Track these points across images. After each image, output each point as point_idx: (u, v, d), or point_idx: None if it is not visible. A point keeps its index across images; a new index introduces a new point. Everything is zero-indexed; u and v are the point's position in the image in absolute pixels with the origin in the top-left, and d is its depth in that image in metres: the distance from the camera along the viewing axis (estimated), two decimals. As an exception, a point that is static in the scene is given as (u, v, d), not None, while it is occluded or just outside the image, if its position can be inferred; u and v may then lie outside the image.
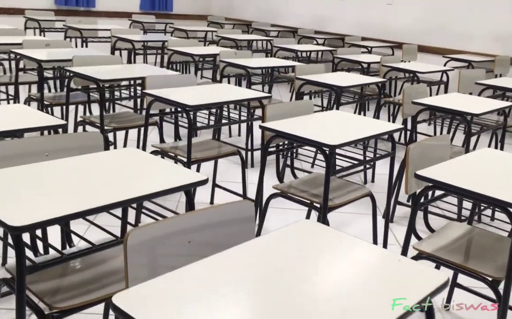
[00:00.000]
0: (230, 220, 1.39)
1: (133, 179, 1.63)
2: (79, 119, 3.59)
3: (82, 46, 6.01)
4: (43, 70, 3.77)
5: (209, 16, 9.26)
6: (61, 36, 6.83)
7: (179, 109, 3.06)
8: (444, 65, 6.02)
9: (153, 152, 3.01)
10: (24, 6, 7.51)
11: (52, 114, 4.05)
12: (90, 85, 3.76)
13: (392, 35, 7.22)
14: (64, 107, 4.16)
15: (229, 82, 4.88)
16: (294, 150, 3.74)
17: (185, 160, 2.90)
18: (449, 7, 6.61)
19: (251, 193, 3.57)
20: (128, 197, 1.49)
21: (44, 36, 6.59)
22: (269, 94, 3.15)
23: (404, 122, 3.53)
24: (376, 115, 4.28)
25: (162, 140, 3.34)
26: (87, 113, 4.74)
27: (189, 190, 1.70)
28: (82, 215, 1.38)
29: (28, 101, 4.08)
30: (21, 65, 4.75)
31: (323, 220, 2.33)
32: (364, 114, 5.14)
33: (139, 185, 1.58)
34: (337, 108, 3.65)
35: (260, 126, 2.44)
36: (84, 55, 3.74)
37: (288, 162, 3.20)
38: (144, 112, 3.69)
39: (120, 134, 4.32)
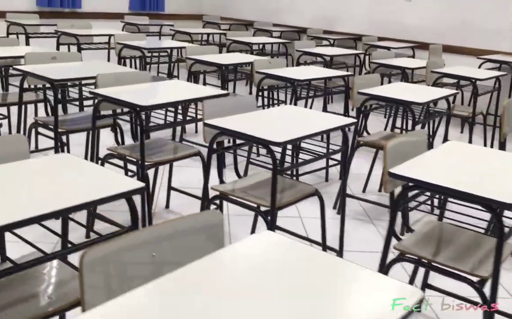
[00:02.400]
0: None
1: None
2: (106, 151, 2.90)
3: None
4: (58, 90, 3.06)
5: (204, 15, 8.57)
6: (49, 42, 6.06)
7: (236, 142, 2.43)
8: (479, 67, 5.53)
9: (216, 198, 2.37)
10: (1, 8, 6.68)
11: (68, 142, 3.37)
12: (117, 109, 3.09)
13: (410, 34, 6.70)
14: (84, 135, 3.44)
15: (263, 96, 4.24)
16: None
17: (265, 207, 2.27)
18: (472, 2, 6.12)
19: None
20: None
21: (28, 43, 5.81)
22: (354, 119, 2.54)
23: (502, 145, 2.98)
24: (445, 135, 3.72)
25: (221, 179, 2.69)
26: (106, 141, 4.05)
27: None
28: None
29: (34, 126, 3.37)
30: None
31: None
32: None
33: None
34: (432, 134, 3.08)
35: (390, 174, 1.83)
36: (108, 72, 3.05)
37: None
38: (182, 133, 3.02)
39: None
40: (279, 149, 3.44)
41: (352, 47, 7.19)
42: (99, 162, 3.00)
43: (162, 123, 5.01)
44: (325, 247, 2.63)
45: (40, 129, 3.81)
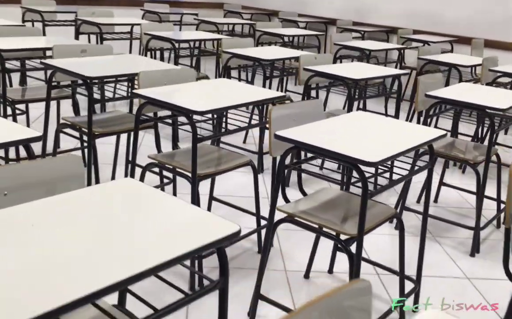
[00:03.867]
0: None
1: None
2: (148, 160, 2.56)
3: (99, 44, 4.90)
4: (91, 89, 2.71)
5: (225, 4, 8.18)
6: (67, 31, 5.70)
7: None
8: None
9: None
10: (16, -7, 6.30)
11: (94, 146, 3.01)
12: (158, 111, 2.75)
13: (448, 27, 6.31)
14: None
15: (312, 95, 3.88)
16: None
17: (345, 235, 1.93)
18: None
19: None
20: None
21: (45, 32, 5.45)
22: (444, 132, 2.19)
23: None
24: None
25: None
26: (144, 146, 3.68)
27: None
28: None
29: (62, 127, 3.03)
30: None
31: None
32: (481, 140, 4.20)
33: None
34: (494, 139, 2.72)
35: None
36: (149, 70, 2.70)
37: None
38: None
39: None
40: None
41: (384, 40, 6.82)
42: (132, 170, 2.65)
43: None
44: (403, 276, 2.28)
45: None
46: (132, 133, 3.41)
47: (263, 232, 2.93)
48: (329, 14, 7.46)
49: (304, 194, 2.36)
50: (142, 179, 2.56)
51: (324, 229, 2.02)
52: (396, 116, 3.76)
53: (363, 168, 1.78)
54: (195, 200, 2.33)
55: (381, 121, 2.30)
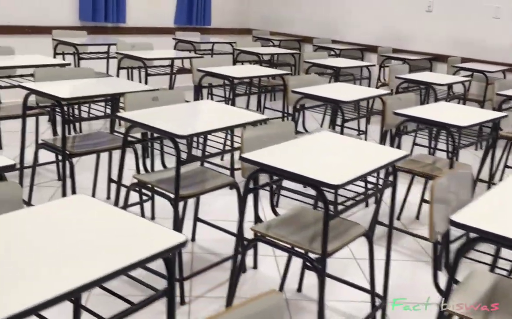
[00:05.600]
0: None
1: None
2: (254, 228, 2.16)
3: (145, 81, 4.51)
4: (178, 146, 2.32)
5: (254, 30, 7.83)
6: (99, 64, 5.33)
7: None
8: None
9: None
10: (42, 23, 5.94)
11: (181, 216, 2.60)
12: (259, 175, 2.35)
13: (501, 55, 5.97)
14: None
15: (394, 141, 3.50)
16: None
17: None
18: None
19: None
20: None
21: (79, 64, 5.08)
22: None
23: None
24: None
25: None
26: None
27: None
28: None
29: (134, 187, 2.63)
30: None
31: None
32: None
33: None
34: None
35: None
36: (241, 121, 2.31)
37: None
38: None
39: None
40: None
41: (428, 68, 6.48)
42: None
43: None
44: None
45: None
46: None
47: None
48: (364, 41, 7.12)
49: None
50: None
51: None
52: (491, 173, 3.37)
53: None
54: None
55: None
